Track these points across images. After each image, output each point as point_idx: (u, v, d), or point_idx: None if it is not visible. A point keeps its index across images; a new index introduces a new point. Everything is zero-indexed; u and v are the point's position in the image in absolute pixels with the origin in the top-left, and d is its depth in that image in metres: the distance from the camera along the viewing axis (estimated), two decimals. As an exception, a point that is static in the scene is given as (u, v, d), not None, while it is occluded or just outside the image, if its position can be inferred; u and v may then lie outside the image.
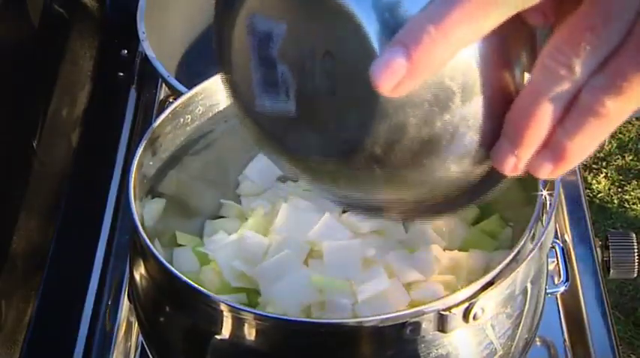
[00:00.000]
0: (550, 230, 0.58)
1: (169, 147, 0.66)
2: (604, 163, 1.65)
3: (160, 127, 0.64)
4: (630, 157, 1.66)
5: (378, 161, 0.39)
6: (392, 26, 0.35)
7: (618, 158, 1.66)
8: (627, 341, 1.40)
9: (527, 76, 0.39)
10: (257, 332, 0.54)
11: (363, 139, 0.39)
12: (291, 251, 0.63)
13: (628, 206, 1.59)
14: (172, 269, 0.55)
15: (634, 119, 1.69)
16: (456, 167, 0.40)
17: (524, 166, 0.38)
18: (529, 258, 0.55)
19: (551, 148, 0.37)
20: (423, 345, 0.54)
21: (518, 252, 0.55)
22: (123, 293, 0.78)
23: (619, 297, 1.45)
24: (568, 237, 0.80)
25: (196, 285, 0.54)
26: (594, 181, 1.62)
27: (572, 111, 0.36)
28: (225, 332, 0.55)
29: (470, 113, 0.38)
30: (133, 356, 0.76)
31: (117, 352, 0.75)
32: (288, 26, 0.39)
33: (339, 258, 0.62)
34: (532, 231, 0.57)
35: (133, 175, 0.60)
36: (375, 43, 0.36)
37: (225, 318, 0.54)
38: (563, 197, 0.83)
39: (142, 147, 0.62)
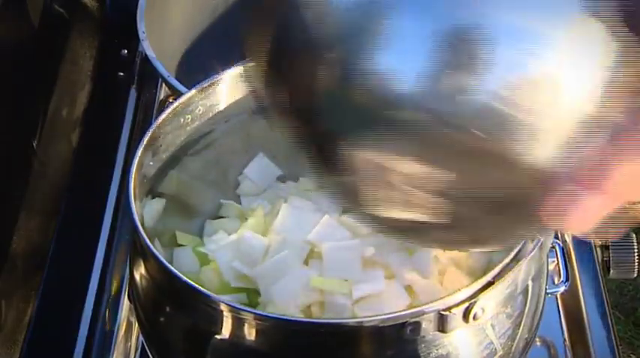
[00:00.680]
0: (550, 230, 0.58)
1: (169, 147, 0.66)
2: (604, 163, 1.65)
3: (159, 127, 0.64)
4: (630, 157, 1.66)
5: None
6: None
7: (618, 158, 1.66)
8: (627, 341, 1.40)
9: None
10: (257, 332, 0.54)
11: None
12: (290, 251, 0.63)
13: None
14: (172, 269, 0.55)
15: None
16: None
17: None
18: (529, 257, 0.55)
19: None
20: (423, 345, 0.54)
21: (518, 251, 0.55)
22: (123, 293, 0.78)
23: (619, 297, 1.45)
24: (568, 237, 0.80)
25: (196, 285, 0.54)
26: (594, 181, 1.62)
27: None
28: (225, 332, 0.55)
29: None
30: (133, 356, 0.76)
31: (117, 352, 0.75)
32: None
33: (338, 259, 0.62)
34: (532, 231, 0.56)
35: (133, 175, 0.60)
36: None
37: (225, 318, 0.54)
38: (563, 197, 0.83)
39: (142, 147, 0.62)
